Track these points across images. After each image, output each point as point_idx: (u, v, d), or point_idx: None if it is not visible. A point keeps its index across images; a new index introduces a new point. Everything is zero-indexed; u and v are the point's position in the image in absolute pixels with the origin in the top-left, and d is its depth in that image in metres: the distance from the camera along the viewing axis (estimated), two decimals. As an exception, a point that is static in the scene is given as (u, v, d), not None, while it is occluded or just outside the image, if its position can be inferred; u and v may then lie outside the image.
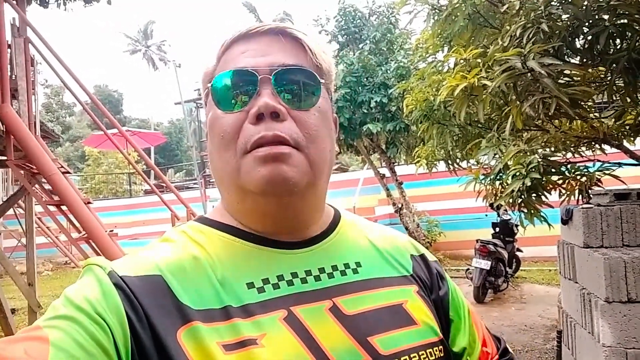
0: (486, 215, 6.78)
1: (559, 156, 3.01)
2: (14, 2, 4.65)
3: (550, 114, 2.29)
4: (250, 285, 0.54)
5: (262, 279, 0.55)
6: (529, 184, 2.41)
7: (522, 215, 2.69)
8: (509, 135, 2.56)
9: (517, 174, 2.48)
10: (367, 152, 9.45)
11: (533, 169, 2.43)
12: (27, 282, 4.81)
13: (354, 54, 8.57)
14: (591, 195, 2.73)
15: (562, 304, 3.13)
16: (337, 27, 9.33)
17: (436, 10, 3.02)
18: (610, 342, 2.21)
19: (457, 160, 3.73)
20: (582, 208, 2.53)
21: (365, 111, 8.09)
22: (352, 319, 0.55)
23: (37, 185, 4.88)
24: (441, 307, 0.64)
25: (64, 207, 4.30)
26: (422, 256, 0.69)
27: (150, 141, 19.01)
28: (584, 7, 2.27)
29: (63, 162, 5.24)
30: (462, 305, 0.67)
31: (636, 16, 2.18)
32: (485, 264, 5.84)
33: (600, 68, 2.62)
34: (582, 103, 2.55)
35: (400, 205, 9.20)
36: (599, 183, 2.78)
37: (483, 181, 2.98)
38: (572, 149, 3.01)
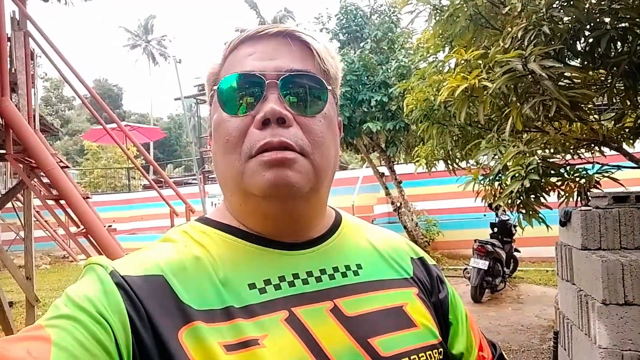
0: (484, 216, 6.81)
1: (558, 158, 3.01)
2: (15, -5, 4.63)
3: (550, 115, 2.30)
4: (252, 285, 0.54)
5: (264, 279, 0.55)
6: (527, 185, 2.41)
7: (521, 216, 2.70)
8: (508, 137, 2.57)
9: (516, 175, 2.49)
10: (367, 151, 9.45)
11: (532, 171, 2.43)
12: (25, 276, 4.81)
13: (354, 53, 8.56)
14: (590, 198, 2.74)
15: (559, 305, 3.14)
16: (338, 25, 9.31)
17: (438, 11, 3.02)
18: (607, 344, 2.22)
19: (457, 160, 3.74)
20: (581, 210, 2.54)
21: (366, 110, 8.09)
22: (352, 321, 0.55)
23: (35, 179, 4.87)
24: (440, 310, 0.65)
25: (62, 202, 4.30)
26: (422, 259, 0.70)
27: (150, 136, 18.97)
28: (586, 10, 2.28)
29: (62, 156, 5.23)
30: (461, 310, 0.68)
31: (637, 20, 2.19)
32: (483, 264, 5.86)
33: (601, 71, 2.62)
34: (582, 105, 2.56)
35: (399, 204, 9.21)
36: (597, 185, 2.79)
37: (482, 181, 2.99)
38: (571, 151, 3.02)
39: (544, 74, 2.11)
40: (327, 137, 0.58)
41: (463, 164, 3.79)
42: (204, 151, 18.00)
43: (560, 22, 2.35)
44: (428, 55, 3.87)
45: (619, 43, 2.36)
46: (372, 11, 9.32)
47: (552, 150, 2.98)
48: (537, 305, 5.74)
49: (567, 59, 2.56)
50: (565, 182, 2.79)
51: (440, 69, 3.57)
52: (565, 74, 2.43)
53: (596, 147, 3.03)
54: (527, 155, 2.51)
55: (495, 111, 2.92)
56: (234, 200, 0.60)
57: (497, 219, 6.63)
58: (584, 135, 2.93)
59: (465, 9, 2.76)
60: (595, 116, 3.02)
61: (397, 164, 9.97)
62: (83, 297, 0.48)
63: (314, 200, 0.59)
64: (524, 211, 2.64)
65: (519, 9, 2.37)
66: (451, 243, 9.45)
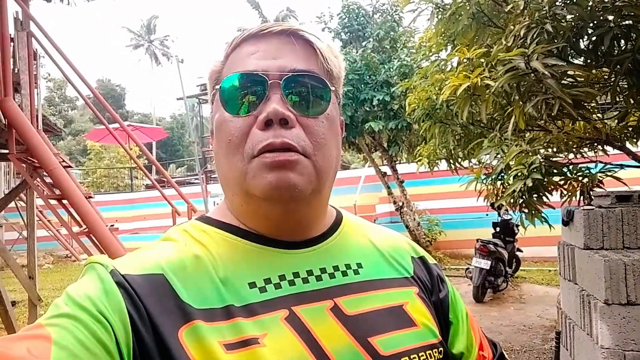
0: (487, 215, 6.79)
1: (561, 157, 3.00)
2: (17, -5, 4.64)
3: (553, 114, 2.29)
4: (252, 284, 0.54)
5: (264, 278, 0.55)
6: (530, 184, 2.41)
7: (523, 215, 2.69)
8: (511, 136, 2.56)
9: (519, 174, 2.48)
10: (369, 150, 9.44)
11: (535, 170, 2.42)
12: (27, 275, 4.82)
13: (357, 52, 8.55)
14: (592, 197, 2.73)
15: (561, 304, 3.13)
16: (340, 24, 9.30)
17: (440, 9, 3.01)
18: (609, 344, 2.21)
19: (459, 160, 3.73)
20: (583, 209, 2.53)
21: (368, 109, 8.08)
22: (353, 320, 0.55)
23: (38, 179, 4.89)
24: (441, 310, 0.65)
25: (65, 201, 4.31)
26: (422, 258, 0.70)
27: (152, 136, 19.02)
28: (589, 8, 2.26)
29: (65, 156, 5.24)
30: (461, 309, 0.68)
31: (641, 18, 2.17)
32: (485, 264, 5.85)
33: (604, 69, 2.61)
34: (585, 104, 2.55)
35: (401, 204, 9.20)
36: (600, 184, 2.78)
37: (484, 181, 2.98)
38: (574, 150, 3.01)
39: (546, 72, 2.10)
40: (329, 138, 0.58)
41: (465, 163, 3.78)
42: (206, 151, 18.01)
43: (563, 20, 2.34)
44: (430, 54, 3.86)
45: (622, 41, 2.35)
46: (374, 10, 9.30)
47: (554, 149, 2.97)
48: (539, 305, 5.73)
49: (570, 57, 2.55)
50: (568, 181, 2.78)
51: (443, 67, 3.56)
52: (568, 72, 2.42)
53: (599, 146, 3.02)
54: (530, 154, 2.50)
55: (498, 110, 2.91)
56: (236, 201, 0.59)
57: (499, 218, 6.61)
58: (587, 134, 2.92)
59: (468, 7, 2.75)
60: (599, 115, 3.00)
61: (399, 163, 9.96)
62: (83, 296, 0.48)
63: (316, 201, 0.59)
64: (526, 210, 2.63)
65: (521, 7, 2.36)
66: (453, 243, 9.44)
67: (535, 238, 5.99)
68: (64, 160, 4.58)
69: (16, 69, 4.49)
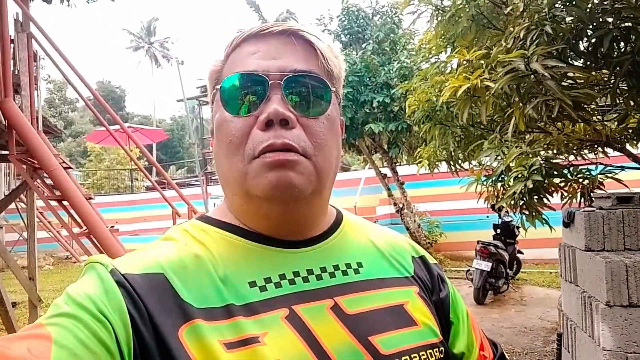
0: (487, 217, 6.78)
1: (562, 159, 3.00)
2: (18, -3, 4.65)
3: (553, 116, 2.29)
4: (253, 284, 0.54)
5: (264, 277, 0.55)
6: (530, 186, 2.41)
7: (524, 217, 2.69)
8: (511, 137, 2.56)
9: (519, 175, 2.48)
10: (369, 152, 9.44)
11: (535, 171, 2.42)
12: (28, 276, 4.82)
13: (356, 54, 8.56)
14: (593, 199, 2.73)
15: (563, 306, 3.12)
16: (340, 26, 9.31)
17: (440, 11, 3.01)
18: (611, 346, 2.20)
19: (459, 161, 3.73)
20: (584, 211, 2.53)
21: (368, 111, 8.08)
22: (353, 319, 0.55)
23: (38, 180, 4.89)
24: (442, 309, 0.65)
25: (65, 202, 4.31)
26: (423, 258, 0.70)
27: (152, 138, 19.03)
28: (588, 10, 2.27)
29: (65, 158, 5.25)
30: (462, 309, 0.68)
31: (641, 19, 2.17)
32: (486, 266, 5.84)
33: (604, 71, 2.61)
34: (585, 106, 2.55)
35: (401, 206, 9.19)
36: (601, 186, 2.78)
37: (485, 182, 2.98)
38: (574, 151, 3.01)
39: (546, 74, 2.11)
40: (329, 139, 0.58)
41: (465, 165, 3.78)
42: (207, 152, 18.02)
43: (562, 22, 2.34)
44: (430, 55, 3.86)
45: (622, 43, 2.35)
46: (374, 12, 9.31)
47: (555, 151, 2.96)
48: (540, 307, 5.72)
49: (569, 59, 2.55)
50: (569, 183, 2.78)
51: (443, 69, 3.57)
52: (568, 74, 2.42)
53: (599, 148, 3.02)
54: (530, 156, 2.50)
55: (498, 112, 2.91)
56: (236, 201, 0.59)
57: (499, 220, 6.60)
58: (587, 136, 2.92)
59: (467, 10, 2.76)
60: (599, 116, 3.00)
61: (400, 165, 9.95)
62: (84, 295, 0.48)
63: (316, 201, 0.59)
64: (527, 212, 2.63)
65: (521, 9, 2.37)
66: (454, 244, 9.43)
67: (536, 240, 5.98)
68: (64, 162, 4.58)
69: (16, 71, 4.50)
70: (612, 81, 2.54)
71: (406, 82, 5.51)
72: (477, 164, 3.47)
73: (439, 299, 0.65)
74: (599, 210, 2.49)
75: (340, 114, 0.64)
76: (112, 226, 5.16)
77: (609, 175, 2.79)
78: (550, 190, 2.63)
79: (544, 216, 2.64)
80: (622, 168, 2.89)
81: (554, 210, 2.69)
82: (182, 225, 0.62)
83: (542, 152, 2.65)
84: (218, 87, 0.58)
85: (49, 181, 4.71)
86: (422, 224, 9.42)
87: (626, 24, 2.26)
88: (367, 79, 8.14)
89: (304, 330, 0.52)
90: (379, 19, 9.14)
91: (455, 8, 2.83)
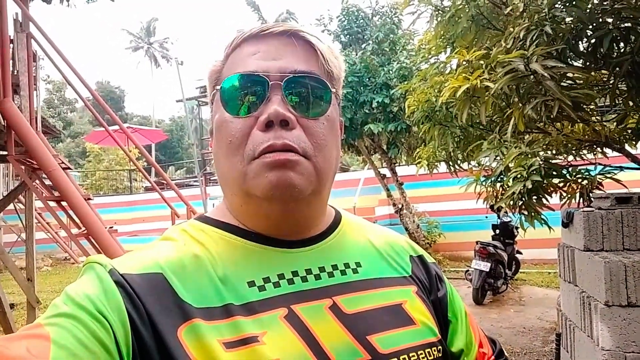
0: (486, 217, 6.78)
1: (561, 159, 3.00)
2: (17, -3, 4.65)
3: (552, 116, 2.29)
4: (251, 283, 0.54)
5: (263, 277, 0.55)
6: (530, 186, 2.41)
7: (523, 217, 2.69)
8: (510, 138, 2.56)
9: (518, 176, 2.48)
10: (368, 152, 9.44)
11: (534, 172, 2.42)
12: (26, 278, 4.81)
13: (356, 54, 8.57)
14: (592, 199, 2.73)
15: (562, 307, 3.12)
16: (339, 26, 9.31)
17: (439, 12, 3.02)
18: (610, 346, 2.20)
19: (458, 162, 3.73)
20: (583, 211, 2.53)
21: (367, 111, 8.08)
22: (351, 318, 0.55)
23: (37, 181, 4.88)
24: (439, 308, 0.65)
25: (63, 203, 4.30)
26: (421, 257, 0.70)
27: (152, 138, 19.01)
28: (588, 10, 2.27)
29: (64, 158, 5.24)
30: (460, 307, 0.68)
31: (640, 20, 2.18)
32: (485, 266, 5.84)
33: (603, 71, 2.61)
34: (585, 106, 2.55)
35: (400, 206, 9.19)
36: (600, 186, 2.78)
37: (484, 183, 2.98)
38: (573, 151, 3.01)
39: (546, 74, 2.11)
40: (329, 140, 0.58)
41: (465, 166, 3.78)
42: (206, 153, 18.01)
43: (562, 22, 2.34)
44: (430, 56, 3.87)
45: (621, 43, 2.35)
46: (374, 12, 9.32)
47: (554, 151, 2.97)
48: (539, 307, 5.72)
49: (569, 59, 2.56)
50: (568, 183, 2.78)
51: (442, 70, 3.57)
52: (568, 74, 2.42)
53: (598, 148, 3.02)
54: (529, 156, 2.50)
55: (497, 112, 2.92)
56: (235, 201, 0.59)
57: (498, 220, 6.61)
58: (587, 136, 2.92)
59: (467, 10, 2.76)
60: (598, 117, 3.01)
61: (399, 165, 9.95)
62: (82, 295, 0.48)
63: (316, 202, 0.60)
64: (526, 212, 2.63)
65: (520, 9, 2.37)
66: (453, 245, 9.43)
67: (535, 240, 5.98)
68: (63, 162, 4.57)
69: (15, 71, 4.49)
70: (611, 82, 2.54)
71: (406, 82, 5.51)
72: (477, 165, 3.47)
73: (437, 298, 0.66)
74: (598, 211, 2.50)
75: (340, 115, 0.64)
76: (111, 227, 5.15)
77: (608, 175, 2.80)
78: (549, 191, 2.63)
79: (543, 216, 2.64)
80: (621, 168, 2.89)
81: (553, 210, 2.69)
82: (180, 225, 0.62)
83: (541, 153, 2.65)
84: (218, 87, 0.58)
85: (47, 182, 4.71)
86: (421, 224, 9.42)
87: (626, 25, 2.26)
88: (367, 79, 8.15)
89: (303, 330, 0.52)
90: (379, 19, 9.15)
91: (455, 8, 2.83)
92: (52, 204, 4.62)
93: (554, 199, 2.73)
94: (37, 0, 7.64)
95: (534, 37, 2.24)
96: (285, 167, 0.53)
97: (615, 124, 2.97)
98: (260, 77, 0.55)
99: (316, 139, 0.56)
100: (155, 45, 39.22)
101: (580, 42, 2.47)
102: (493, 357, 0.68)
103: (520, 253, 6.85)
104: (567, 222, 2.79)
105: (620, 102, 2.72)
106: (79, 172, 20.28)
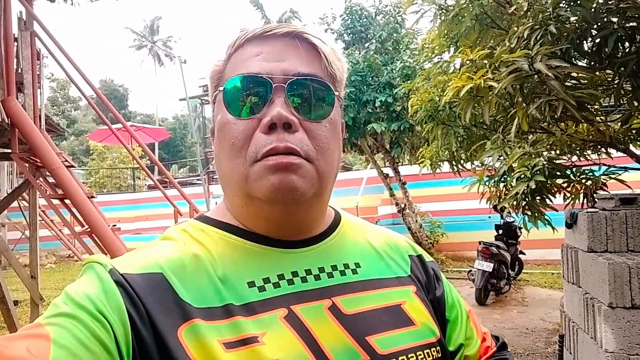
0: (489, 217, 6.76)
1: (565, 159, 2.99)
2: (22, -5, 4.65)
3: (556, 116, 2.28)
4: (251, 284, 0.54)
5: (263, 277, 0.55)
6: (533, 186, 2.40)
7: (526, 217, 2.68)
8: (514, 138, 2.55)
9: (522, 176, 2.47)
10: (371, 152, 9.43)
11: (538, 172, 2.41)
12: (29, 275, 4.84)
13: (359, 53, 8.56)
14: (596, 200, 2.72)
15: (565, 308, 3.11)
16: (343, 25, 9.30)
17: (443, 11, 3.00)
18: (613, 348, 2.19)
19: (462, 162, 3.72)
20: (587, 212, 2.52)
21: (370, 110, 8.07)
22: (350, 319, 0.55)
23: (41, 179, 4.90)
24: (438, 308, 0.66)
25: (67, 201, 4.32)
26: (420, 257, 0.70)
27: (155, 137, 19.07)
28: (593, 10, 2.26)
29: (67, 156, 5.25)
30: (459, 306, 0.68)
31: (646, 19, 2.16)
32: (488, 266, 5.83)
33: (608, 71, 2.60)
34: (589, 106, 2.54)
35: (403, 206, 9.18)
36: (604, 187, 2.77)
37: (487, 183, 2.97)
38: (577, 152, 2.99)
39: (550, 74, 2.10)
40: (331, 142, 0.58)
41: (468, 165, 3.77)
42: (209, 151, 18.04)
43: (567, 22, 2.33)
44: (433, 55, 3.85)
45: (626, 43, 2.34)
46: (377, 12, 9.30)
47: (558, 152, 2.95)
48: (542, 308, 5.70)
49: (573, 59, 2.54)
50: (572, 184, 2.77)
51: (446, 69, 3.56)
52: (572, 74, 2.41)
53: (603, 149, 3.01)
54: (533, 156, 2.49)
55: (501, 112, 2.90)
56: (236, 202, 0.59)
57: (502, 220, 6.59)
58: (591, 137, 2.91)
59: (471, 9, 2.75)
60: (602, 117, 2.99)
61: (402, 165, 9.94)
62: (82, 295, 0.48)
63: (317, 204, 0.60)
64: (529, 213, 2.62)
65: (525, 9, 2.36)
66: (455, 245, 9.41)
67: (538, 241, 5.96)
68: (66, 160, 4.59)
69: (19, 69, 4.51)
70: (616, 81, 2.53)
71: (409, 81, 5.50)
72: (480, 164, 3.46)
73: (435, 297, 0.66)
74: (602, 211, 2.48)
75: (342, 116, 0.64)
76: (114, 225, 5.17)
77: (612, 176, 2.78)
78: (553, 191, 2.61)
79: (546, 217, 2.63)
80: (626, 169, 2.88)
81: (557, 211, 2.68)
82: (180, 225, 0.62)
83: (545, 153, 2.64)
84: (221, 88, 0.58)
85: (51, 179, 4.73)
86: (424, 224, 9.41)
87: (631, 24, 2.25)
88: (370, 78, 8.14)
89: (303, 330, 0.52)
90: (382, 18, 9.13)
91: (458, 7, 2.82)
92: (56, 201, 4.64)
93: (558, 200, 2.72)
94: (41, -1, 7.68)
95: (538, 37, 2.22)
96: (287, 170, 0.53)
97: (619, 124, 2.96)
98: (263, 78, 0.55)
99: (319, 141, 0.56)
100: (159, 44, 39.32)
101: (584, 42, 2.45)
102: (495, 348, 0.69)
103: (524, 253, 6.83)
104: (571, 223, 2.77)
105: (625, 102, 2.70)
106: (82, 170, 20.36)
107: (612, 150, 3.02)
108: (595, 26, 2.32)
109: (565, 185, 2.76)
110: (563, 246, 3.04)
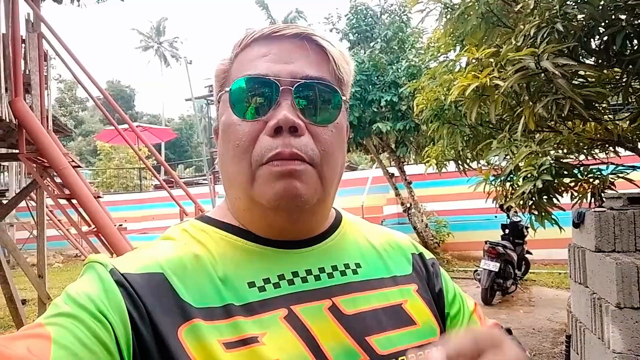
0: (496, 217, 6.73)
1: (572, 158, 2.96)
2: (29, -3, 4.70)
3: (563, 115, 2.26)
4: (252, 284, 0.54)
5: (263, 278, 0.55)
6: (540, 185, 2.38)
7: (533, 217, 2.66)
8: (520, 136, 2.53)
9: (529, 175, 2.45)
10: (377, 151, 9.41)
11: (545, 171, 2.39)
12: (37, 274, 4.88)
13: (364, 53, 8.55)
14: (604, 199, 2.69)
15: (572, 308, 3.09)
16: (348, 25, 9.29)
17: (449, 9, 2.98)
18: (621, 349, 2.17)
19: (467, 161, 3.70)
20: (595, 211, 2.49)
21: (375, 110, 8.06)
22: (350, 319, 0.55)
23: (48, 179, 4.94)
24: (437, 302, 0.65)
25: (74, 201, 4.35)
26: (421, 255, 0.70)
27: (161, 137, 19.19)
28: (600, 7, 2.23)
29: (74, 156, 5.30)
30: (462, 302, 0.68)
31: (654, 16, 2.13)
32: (494, 266, 5.79)
33: (616, 69, 2.57)
34: (597, 104, 2.51)
35: (408, 205, 9.16)
36: (612, 186, 2.74)
37: (493, 182, 2.95)
38: (585, 151, 2.97)
39: (557, 72, 2.08)
40: (337, 147, 0.58)
41: (474, 165, 3.75)
42: (215, 152, 18.10)
43: (574, 19, 2.30)
44: (439, 54, 3.84)
45: (635, 40, 2.31)
46: (382, 11, 9.28)
47: (565, 151, 2.93)
48: (549, 308, 5.67)
49: (581, 57, 2.51)
50: (579, 183, 2.74)
51: (451, 68, 3.54)
52: (579, 72, 2.38)
53: (611, 147, 2.98)
54: (540, 155, 2.47)
55: (507, 110, 2.88)
56: (239, 205, 0.59)
57: (508, 220, 6.55)
58: (598, 135, 2.88)
59: (477, 7, 2.73)
60: (610, 115, 2.96)
61: (407, 164, 9.91)
62: (83, 295, 0.48)
63: (320, 209, 0.60)
64: (536, 212, 2.60)
65: (531, 6, 2.34)
66: (461, 244, 9.37)
67: (545, 240, 5.93)
68: (73, 160, 4.62)
69: (27, 70, 4.54)
70: (624, 79, 2.50)
71: (414, 80, 5.48)
72: (486, 164, 3.44)
73: (435, 294, 0.66)
74: (610, 211, 2.46)
75: (347, 118, 0.64)
76: (121, 225, 5.20)
77: (620, 175, 2.75)
78: (560, 190, 2.59)
79: (553, 216, 2.61)
80: (634, 168, 2.84)
81: (564, 210, 2.66)
82: (181, 225, 0.62)
83: (552, 152, 2.62)
84: (227, 88, 0.57)
85: (58, 180, 4.76)
86: (429, 223, 9.38)
87: (639, 21, 2.22)
88: (375, 77, 8.12)
89: (303, 331, 0.52)
90: (387, 17, 9.11)
91: (464, 6, 2.80)
92: (63, 201, 4.67)
93: (565, 199, 2.69)
94: (48, 1, 7.74)
95: (545, 35, 2.20)
96: (291, 177, 0.53)
97: (628, 122, 2.92)
98: (270, 80, 0.54)
99: (324, 146, 0.55)
100: (165, 45, 39.54)
101: (592, 40, 2.42)
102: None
103: (530, 253, 6.79)
104: (578, 222, 2.75)
105: (634, 100, 2.67)
106: (89, 170, 20.52)
107: (620, 149, 2.99)
108: (602, 24, 2.30)
109: (572, 184, 2.73)
110: (570, 246, 3.02)
